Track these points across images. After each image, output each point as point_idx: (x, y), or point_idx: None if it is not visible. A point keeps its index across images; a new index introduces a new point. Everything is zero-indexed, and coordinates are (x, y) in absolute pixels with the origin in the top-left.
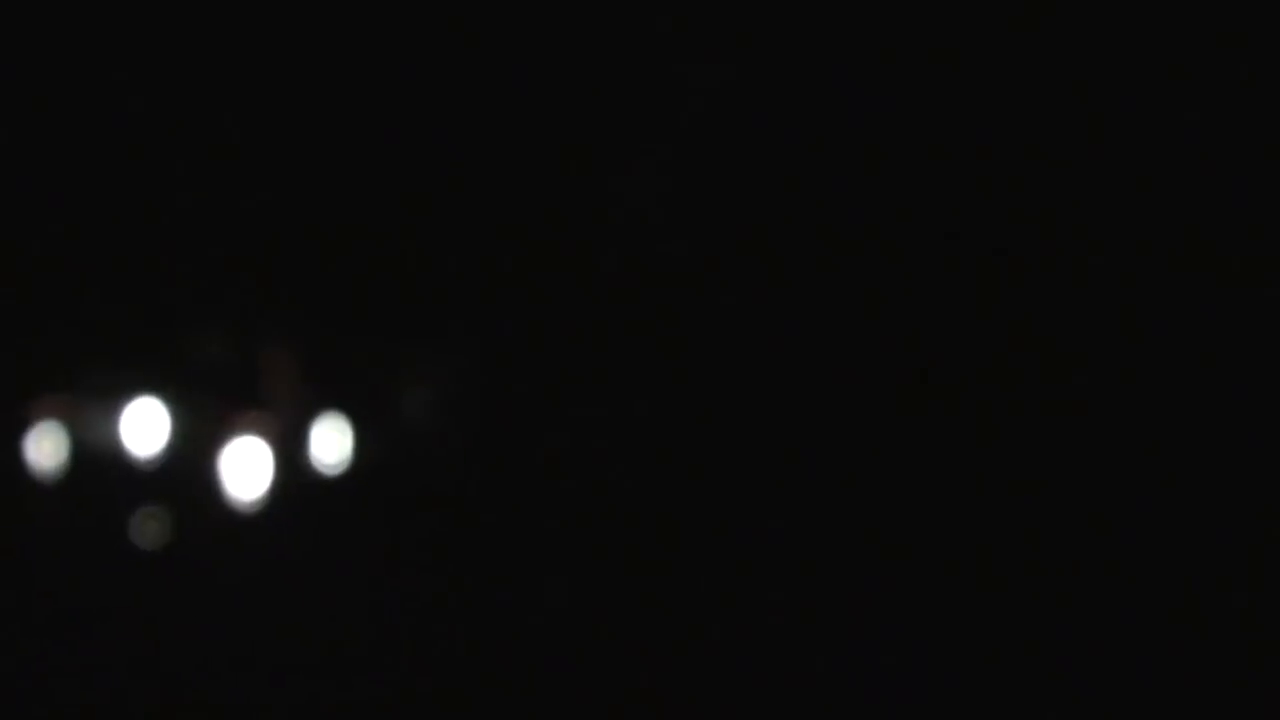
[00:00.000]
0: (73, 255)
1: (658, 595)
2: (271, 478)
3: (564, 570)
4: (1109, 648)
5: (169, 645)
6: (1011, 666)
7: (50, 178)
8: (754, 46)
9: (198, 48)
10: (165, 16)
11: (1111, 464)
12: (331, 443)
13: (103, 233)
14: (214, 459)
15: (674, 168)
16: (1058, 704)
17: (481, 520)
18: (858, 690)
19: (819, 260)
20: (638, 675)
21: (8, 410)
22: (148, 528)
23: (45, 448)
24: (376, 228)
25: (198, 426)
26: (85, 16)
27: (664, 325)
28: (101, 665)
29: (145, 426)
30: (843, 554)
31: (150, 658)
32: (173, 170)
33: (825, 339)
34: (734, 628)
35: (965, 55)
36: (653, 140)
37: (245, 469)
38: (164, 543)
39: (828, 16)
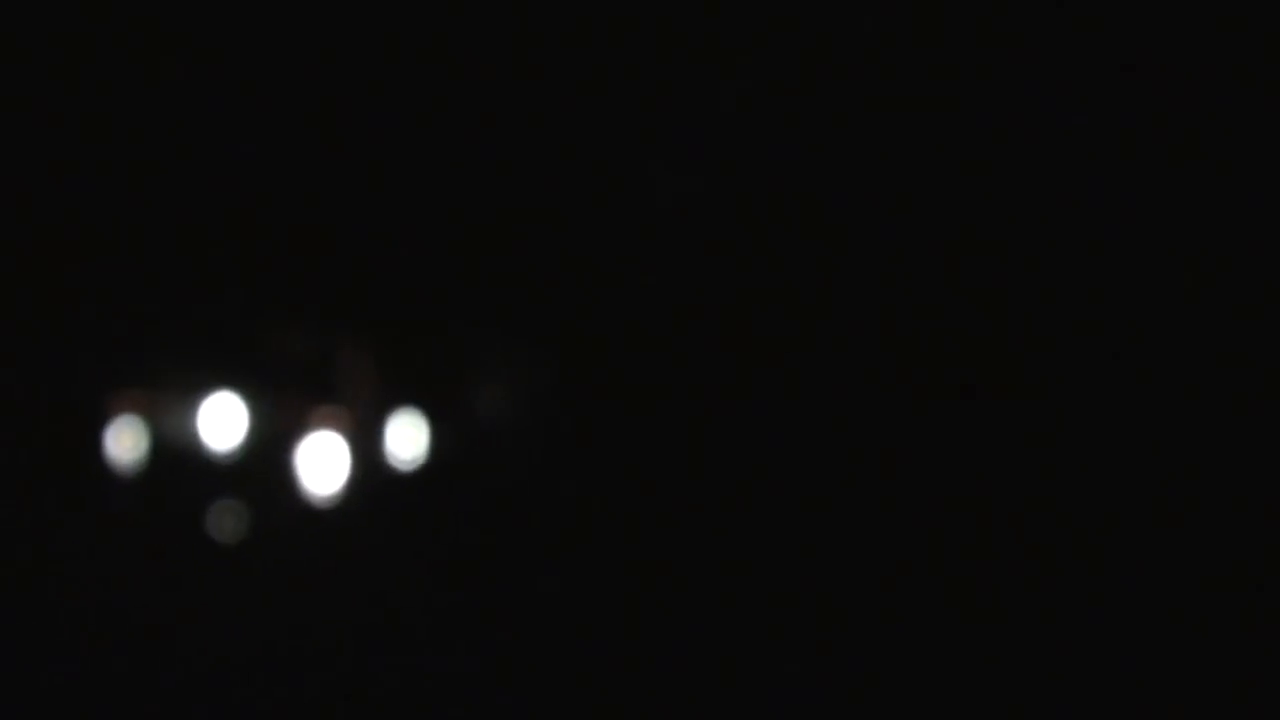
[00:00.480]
0: (152, 253)
1: (736, 588)
2: (347, 472)
3: (639, 565)
4: (1108, 648)
5: (244, 637)
6: (1011, 667)
7: (130, 177)
8: (784, 47)
9: (275, 54)
10: (251, 18)
11: (1111, 464)
12: (407, 438)
13: (182, 230)
14: (290, 454)
15: (726, 168)
16: (1058, 704)
17: (556, 515)
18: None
19: (863, 257)
20: (716, 668)
21: (88, 404)
22: (224, 521)
23: (125, 441)
24: (452, 227)
25: (275, 421)
26: (170, 14)
27: (736, 325)
28: (177, 656)
29: (223, 421)
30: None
31: (226, 649)
32: (251, 169)
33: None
34: (808, 627)
35: (982, 58)
36: (707, 142)
37: (321, 464)
38: (240, 536)
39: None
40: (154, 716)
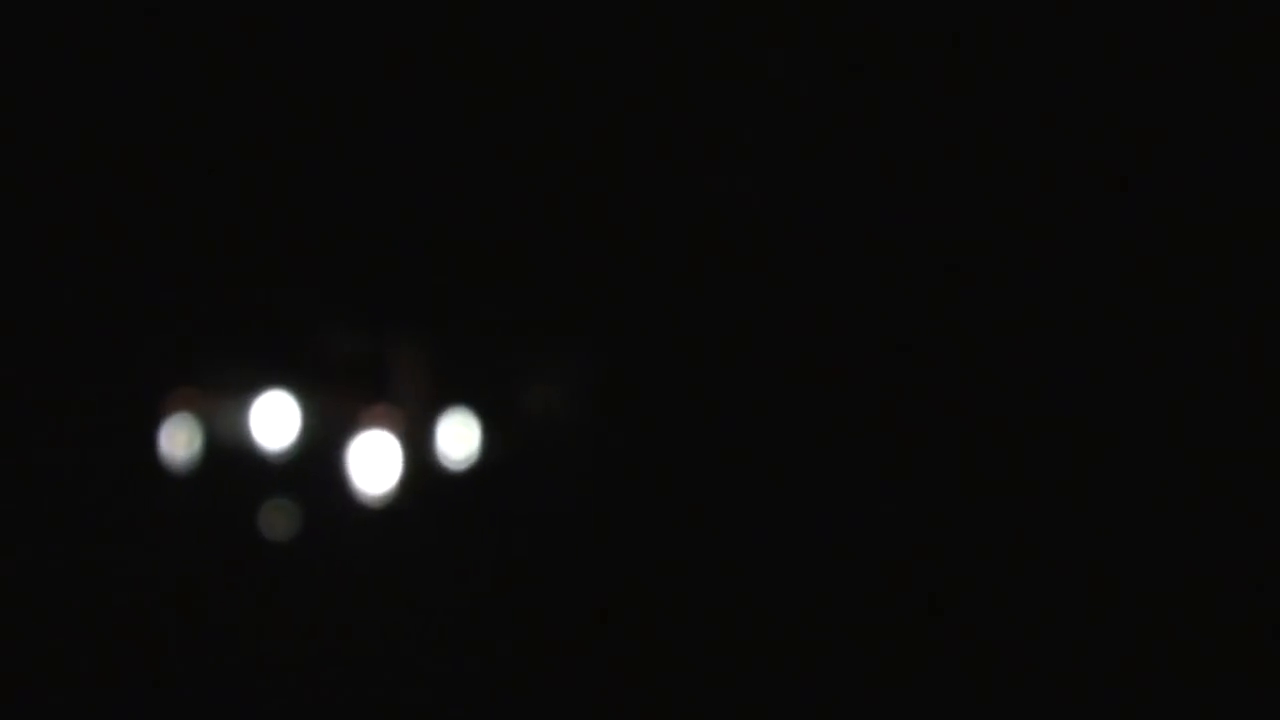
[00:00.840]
0: (205, 252)
1: (791, 587)
2: (399, 472)
3: (691, 565)
4: (1108, 648)
5: (295, 636)
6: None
7: (184, 175)
8: (836, 42)
9: (330, 55)
10: (308, 17)
11: (1114, 465)
12: (459, 438)
13: (234, 230)
14: (342, 453)
15: (770, 163)
16: (1057, 704)
17: (607, 516)
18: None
19: (919, 254)
20: (779, 669)
21: (142, 403)
22: (276, 520)
23: (178, 440)
24: (503, 225)
25: (327, 420)
26: (228, 12)
27: (790, 326)
28: (228, 655)
29: (275, 420)
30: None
31: (276, 648)
32: (303, 167)
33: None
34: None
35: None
36: (750, 138)
37: (373, 463)
38: (292, 535)
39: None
40: (205, 714)
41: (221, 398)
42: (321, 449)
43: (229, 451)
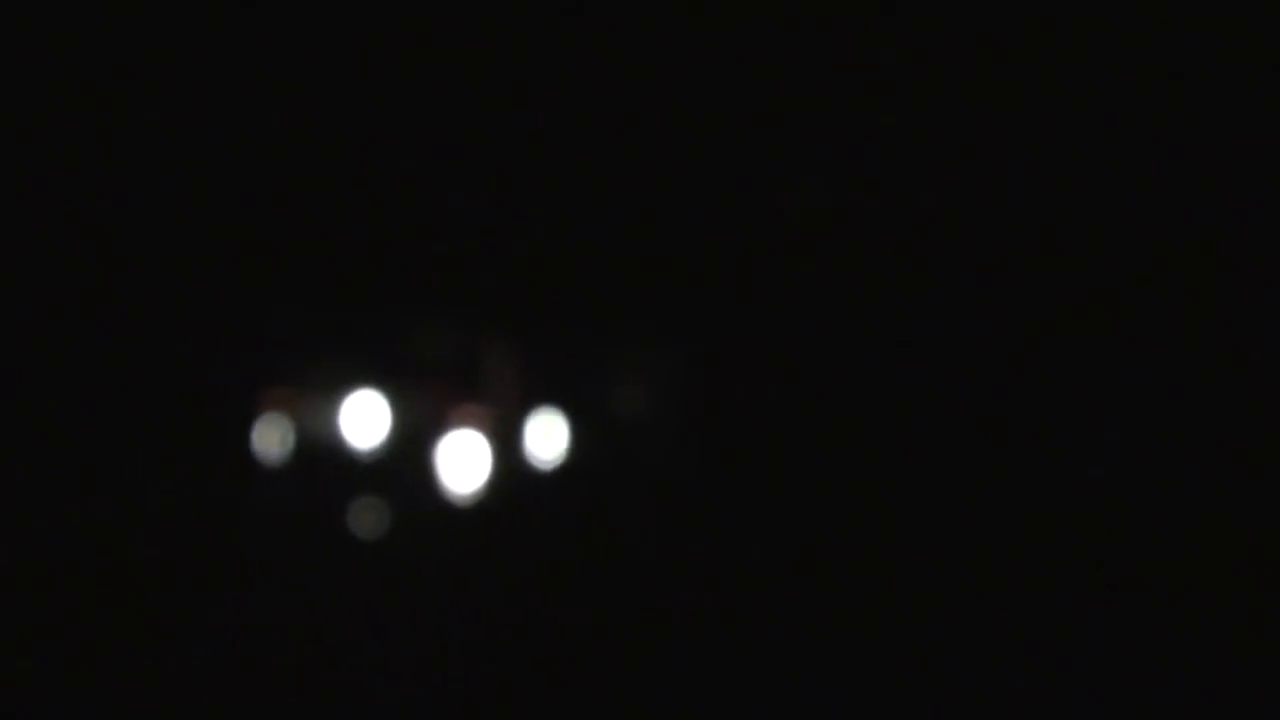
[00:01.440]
0: (299, 254)
1: (880, 586)
2: (488, 471)
3: (777, 564)
4: (1109, 648)
5: (383, 631)
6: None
7: (275, 180)
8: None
9: (420, 63)
10: (401, 30)
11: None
12: (547, 437)
13: (328, 231)
14: (431, 451)
15: (860, 172)
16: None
17: (694, 514)
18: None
19: (990, 264)
20: (873, 671)
21: (236, 402)
22: (365, 517)
23: (271, 438)
24: (594, 229)
25: (416, 420)
26: (332, 32)
27: (871, 322)
28: (318, 651)
29: (366, 419)
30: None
31: (365, 645)
32: (394, 171)
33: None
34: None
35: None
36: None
37: (462, 462)
38: (381, 532)
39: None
40: (295, 710)
41: (313, 397)
42: (411, 448)
43: (320, 450)
